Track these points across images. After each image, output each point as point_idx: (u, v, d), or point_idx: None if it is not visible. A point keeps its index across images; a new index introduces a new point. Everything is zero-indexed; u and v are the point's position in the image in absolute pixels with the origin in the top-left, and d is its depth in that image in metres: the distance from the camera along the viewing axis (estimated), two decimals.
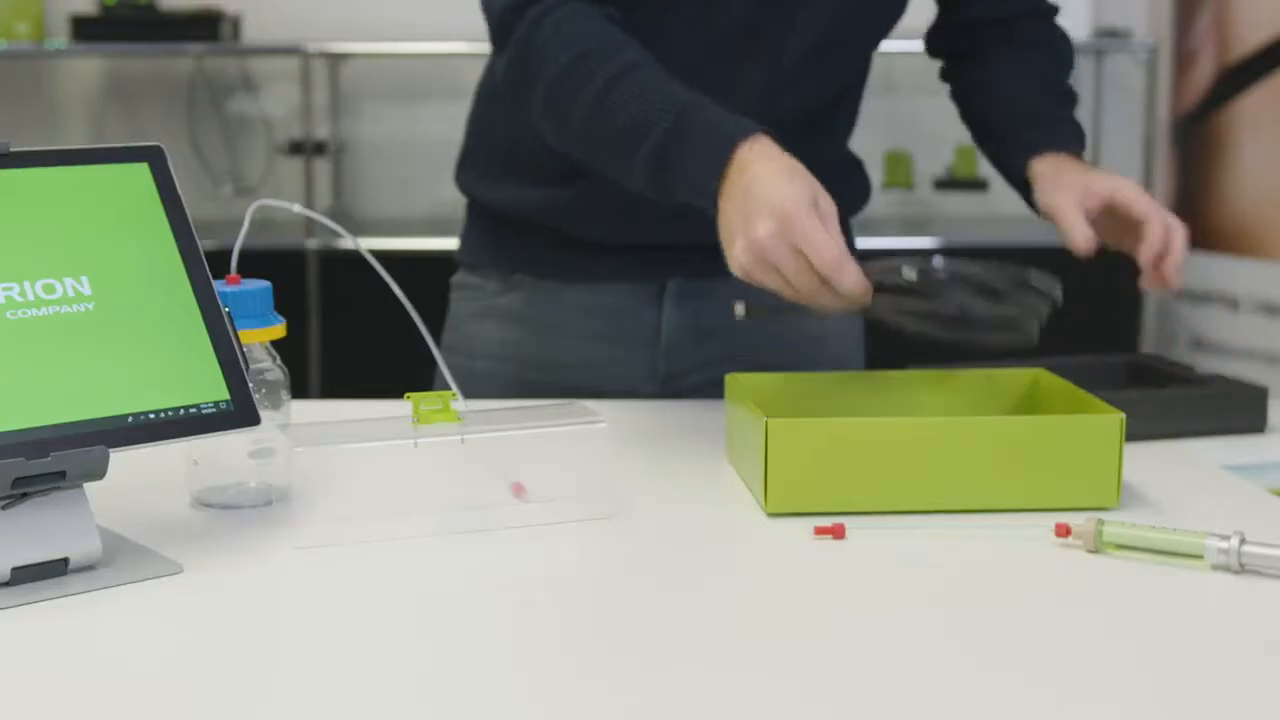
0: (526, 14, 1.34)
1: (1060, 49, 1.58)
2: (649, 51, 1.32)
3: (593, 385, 1.53)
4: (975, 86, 1.58)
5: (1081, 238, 1.37)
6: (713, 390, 1.52)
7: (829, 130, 1.56)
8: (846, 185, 1.59)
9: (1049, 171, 1.44)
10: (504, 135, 1.56)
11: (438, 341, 1.31)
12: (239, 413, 1.07)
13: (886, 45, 1.54)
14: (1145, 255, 1.37)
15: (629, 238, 1.50)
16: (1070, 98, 1.55)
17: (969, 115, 1.59)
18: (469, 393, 1.20)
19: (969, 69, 1.59)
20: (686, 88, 1.28)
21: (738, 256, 1.19)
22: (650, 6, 1.39)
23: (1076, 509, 1.15)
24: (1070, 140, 1.48)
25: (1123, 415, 1.18)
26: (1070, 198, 1.39)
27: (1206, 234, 3.73)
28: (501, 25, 1.36)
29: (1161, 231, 1.37)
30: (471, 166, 1.61)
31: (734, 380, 1.29)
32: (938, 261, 1.21)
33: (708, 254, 1.48)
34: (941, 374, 1.36)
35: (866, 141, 1.65)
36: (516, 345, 1.57)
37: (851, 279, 1.15)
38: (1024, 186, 1.48)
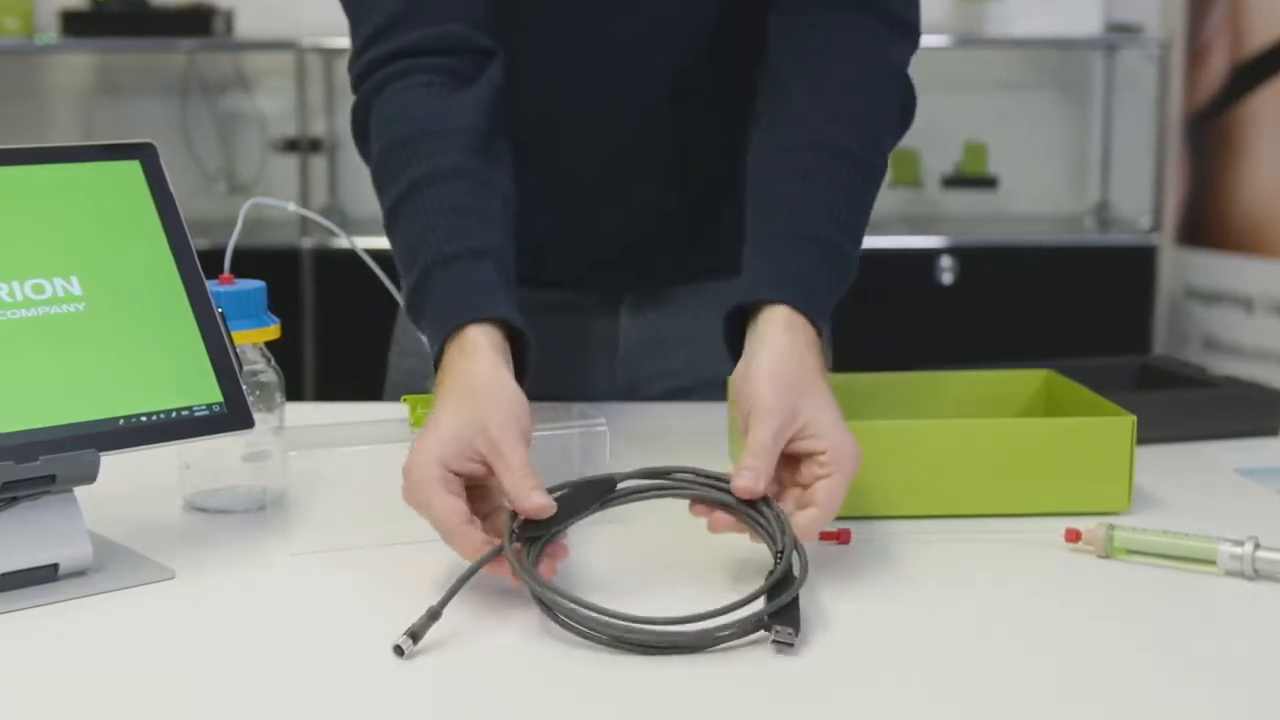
0: (365, 83, 1.28)
1: (877, 99, 1.24)
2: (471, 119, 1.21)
3: (551, 395, 1.47)
4: (755, 141, 1.25)
5: (750, 483, 1.01)
6: (676, 398, 1.51)
7: (745, 119, 1.33)
8: None
9: (766, 363, 1.07)
10: None
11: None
12: (232, 415, 1.07)
13: None
14: (790, 503, 1.05)
15: (586, 242, 1.46)
16: (857, 198, 1.19)
17: (749, 151, 1.26)
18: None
19: (764, 101, 1.27)
20: (471, 223, 1.15)
21: None
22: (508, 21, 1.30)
23: (1087, 513, 1.15)
24: (812, 299, 1.11)
25: (1134, 418, 1.17)
26: (780, 426, 1.04)
27: (1219, 233, 3.74)
28: (352, 79, 1.30)
29: (821, 517, 1.02)
30: None
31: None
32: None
33: (666, 263, 1.48)
34: (948, 375, 1.36)
35: None
36: None
37: (460, 543, 0.99)
38: (733, 322, 1.14)
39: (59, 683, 0.87)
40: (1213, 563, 1.04)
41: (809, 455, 1.04)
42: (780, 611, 0.92)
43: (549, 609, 0.94)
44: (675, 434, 1.41)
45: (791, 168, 1.19)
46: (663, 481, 1.05)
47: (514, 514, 0.99)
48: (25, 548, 1.00)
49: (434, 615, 0.93)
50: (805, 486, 1.04)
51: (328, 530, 1.09)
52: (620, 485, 1.04)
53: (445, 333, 1.08)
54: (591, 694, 0.86)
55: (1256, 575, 1.03)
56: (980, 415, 1.32)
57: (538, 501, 0.98)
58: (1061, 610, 1.00)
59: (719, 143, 1.40)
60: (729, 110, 1.39)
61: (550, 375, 1.51)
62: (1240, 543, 1.03)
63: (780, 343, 1.08)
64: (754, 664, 0.90)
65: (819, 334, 1.11)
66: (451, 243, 1.14)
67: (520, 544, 0.98)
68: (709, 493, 1.03)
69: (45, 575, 1.01)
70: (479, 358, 1.06)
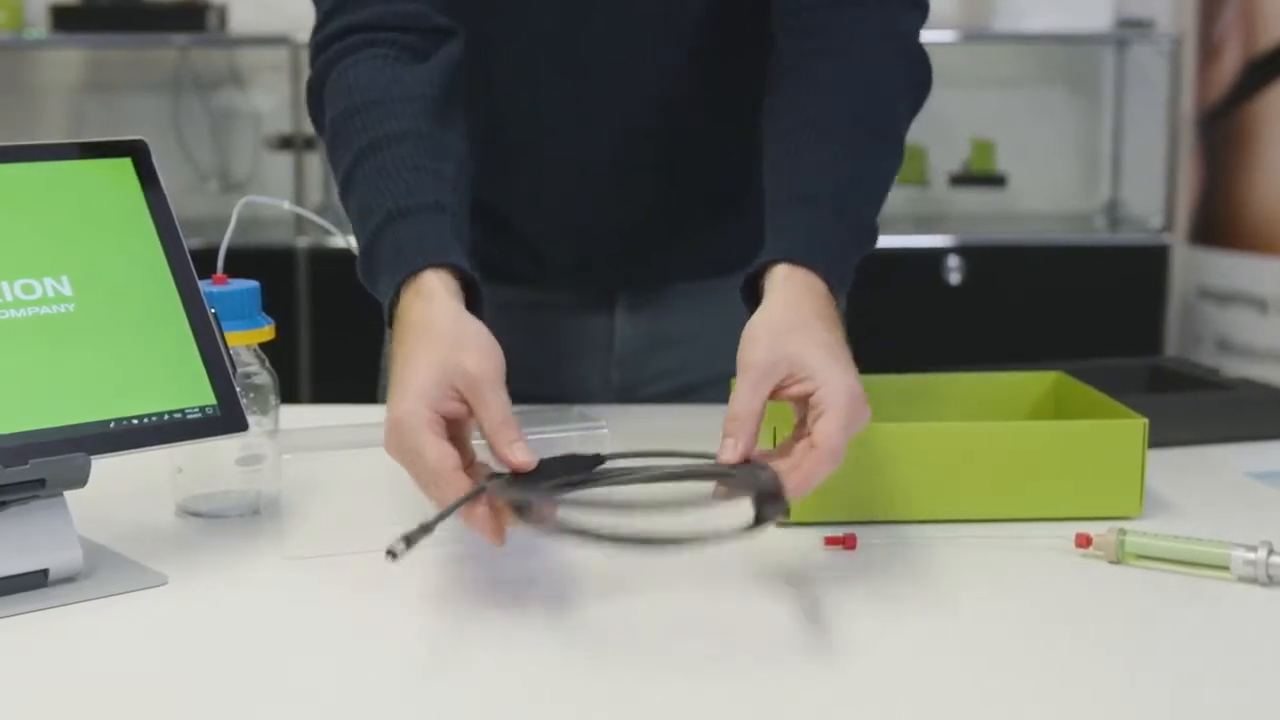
0: (321, 56, 1.28)
1: (891, 71, 1.24)
2: (435, 90, 1.22)
3: (545, 396, 1.48)
4: (769, 115, 1.25)
5: (730, 455, 1.02)
6: (673, 399, 1.51)
7: (735, 114, 1.38)
8: None
9: (774, 306, 1.08)
10: None
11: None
12: (226, 418, 1.07)
13: None
14: (783, 462, 1.03)
15: (566, 275, 1.46)
16: (871, 168, 1.20)
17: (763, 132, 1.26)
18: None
19: (774, 80, 1.27)
20: (422, 180, 1.15)
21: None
22: (468, 20, 1.30)
23: (1097, 518, 1.15)
24: (821, 257, 1.11)
25: (1145, 421, 1.17)
26: (764, 368, 1.04)
27: (1233, 232, 3.74)
28: (310, 55, 1.30)
29: (821, 465, 1.00)
30: None
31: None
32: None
33: (660, 261, 1.47)
34: (957, 377, 1.36)
35: None
36: None
37: (450, 492, 0.97)
38: (750, 288, 1.14)
39: (49, 691, 0.87)
40: (1226, 568, 1.04)
41: (804, 400, 1.03)
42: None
43: (541, 523, 0.95)
44: (671, 434, 1.41)
45: (796, 136, 1.19)
46: (650, 461, 1.05)
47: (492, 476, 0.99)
48: (14, 553, 1.00)
49: (427, 529, 0.93)
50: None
51: (323, 535, 1.09)
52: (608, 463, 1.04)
53: (402, 277, 1.07)
54: (595, 711, 0.87)
55: (1270, 581, 1.03)
56: (989, 418, 1.32)
57: (520, 457, 0.98)
58: (1072, 616, 1.00)
59: (709, 139, 1.40)
60: (718, 107, 1.39)
61: (545, 375, 1.52)
62: (1254, 548, 1.03)
63: (772, 299, 1.08)
64: (751, 676, 0.90)
65: (830, 289, 1.10)
66: (408, 198, 1.13)
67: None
68: (696, 465, 1.03)
69: (35, 581, 1.01)
70: (441, 301, 1.06)
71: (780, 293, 1.09)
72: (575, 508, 0.96)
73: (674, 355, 1.52)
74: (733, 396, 1.03)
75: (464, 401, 1.00)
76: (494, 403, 1.00)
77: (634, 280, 1.50)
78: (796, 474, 0.99)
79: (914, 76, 1.27)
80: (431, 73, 1.23)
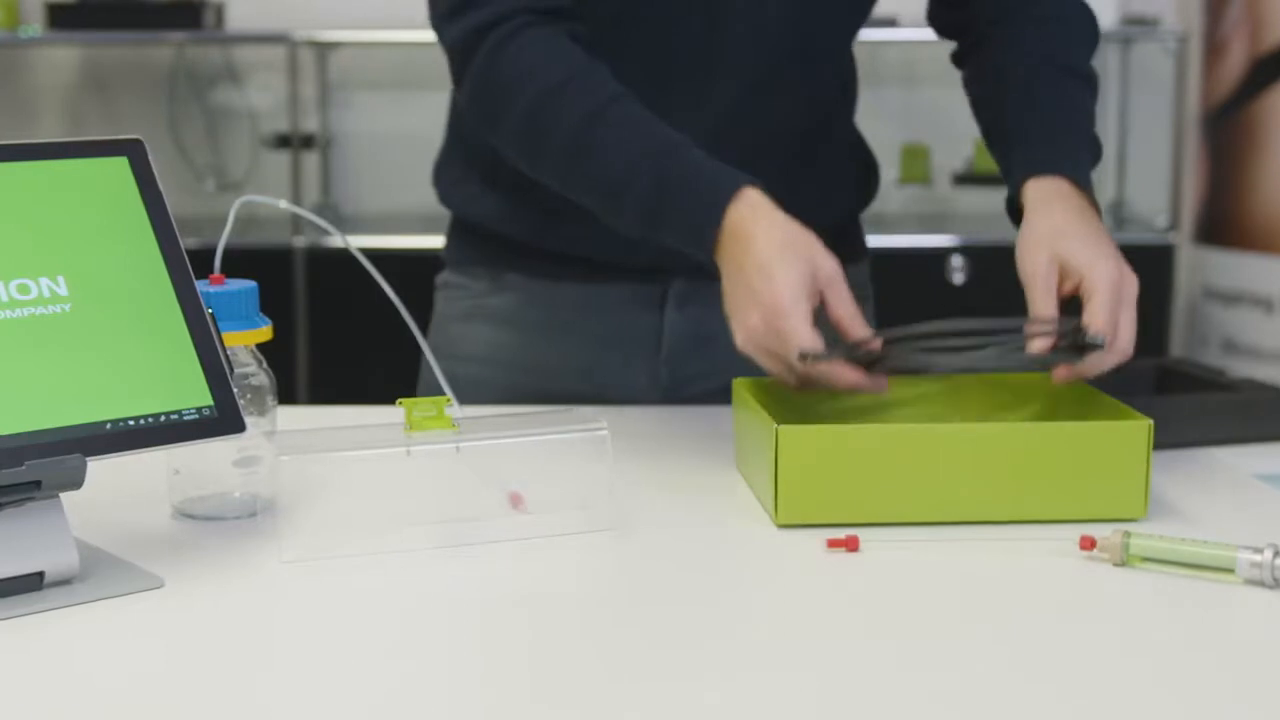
0: (483, 42, 1.33)
1: (1070, 24, 1.45)
2: (615, 77, 1.32)
3: (590, 393, 1.52)
4: (972, 78, 1.49)
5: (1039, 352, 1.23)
6: (719, 399, 1.52)
7: (823, 131, 1.54)
8: (851, 182, 1.59)
9: (1035, 214, 1.31)
10: (484, 142, 1.53)
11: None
12: (223, 419, 1.07)
13: (901, 34, 1.54)
14: (1044, 346, 1.24)
15: (623, 252, 1.47)
16: (1077, 94, 1.41)
17: (973, 105, 1.48)
18: (456, 399, 1.20)
19: (969, 52, 1.50)
20: (665, 127, 1.29)
21: (737, 339, 1.25)
22: (606, 24, 1.37)
23: (1101, 520, 1.15)
24: (1065, 164, 1.33)
25: (1149, 422, 1.17)
26: (1046, 279, 1.25)
27: (1238, 231, 3.73)
28: (458, 55, 1.35)
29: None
30: (450, 176, 1.59)
31: (742, 385, 1.29)
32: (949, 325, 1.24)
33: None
34: (963, 378, 1.35)
35: (882, 134, 1.65)
36: (507, 348, 1.55)
37: (830, 378, 1.21)
38: (1015, 213, 1.36)
39: (44, 695, 0.87)
40: (1231, 571, 1.04)
41: (1079, 294, 1.23)
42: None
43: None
44: (681, 441, 1.41)
45: (1023, 77, 1.40)
46: (979, 338, 1.22)
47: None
48: (9, 556, 1.00)
49: (820, 357, 1.18)
50: None
51: (320, 537, 1.09)
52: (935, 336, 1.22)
53: (727, 197, 1.24)
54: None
55: (1276, 584, 1.03)
56: (993, 419, 1.32)
57: (864, 331, 1.21)
58: (1076, 619, 1.00)
59: (788, 136, 1.45)
60: (795, 111, 1.47)
61: (593, 373, 1.54)
62: (1260, 550, 1.03)
63: (1034, 212, 1.30)
64: (752, 683, 0.90)
65: (1081, 190, 1.31)
66: (669, 140, 1.28)
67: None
68: (1012, 356, 1.22)
69: (30, 584, 1.01)
70: (775, 211, 1.24)
71: (1040, 204, 1.30)
72: (922, 354, 1.22)
73: (721, 353, 1.53)
74: (1030, 307, 1.24)
75: (820, 296, 1.21)
76: (845, 296, 1.22)
77: (685, 273, 1.51)
78: (1078, 364, 1.21)
79: (1092, 28, 1.47)
80: (582, 46, 1.34)
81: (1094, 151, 1.37)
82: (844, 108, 1.58)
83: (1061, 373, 1.22)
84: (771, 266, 1.20)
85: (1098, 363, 1.22)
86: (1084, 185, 1.32)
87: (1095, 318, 1.21)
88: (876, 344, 1.21)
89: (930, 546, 1.12)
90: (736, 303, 1.24)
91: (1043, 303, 1.24)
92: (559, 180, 1.35)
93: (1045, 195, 1.31)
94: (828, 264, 1.22)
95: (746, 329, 1.22)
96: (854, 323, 1.22)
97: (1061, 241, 1.26)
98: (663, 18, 1.40)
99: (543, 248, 1.52)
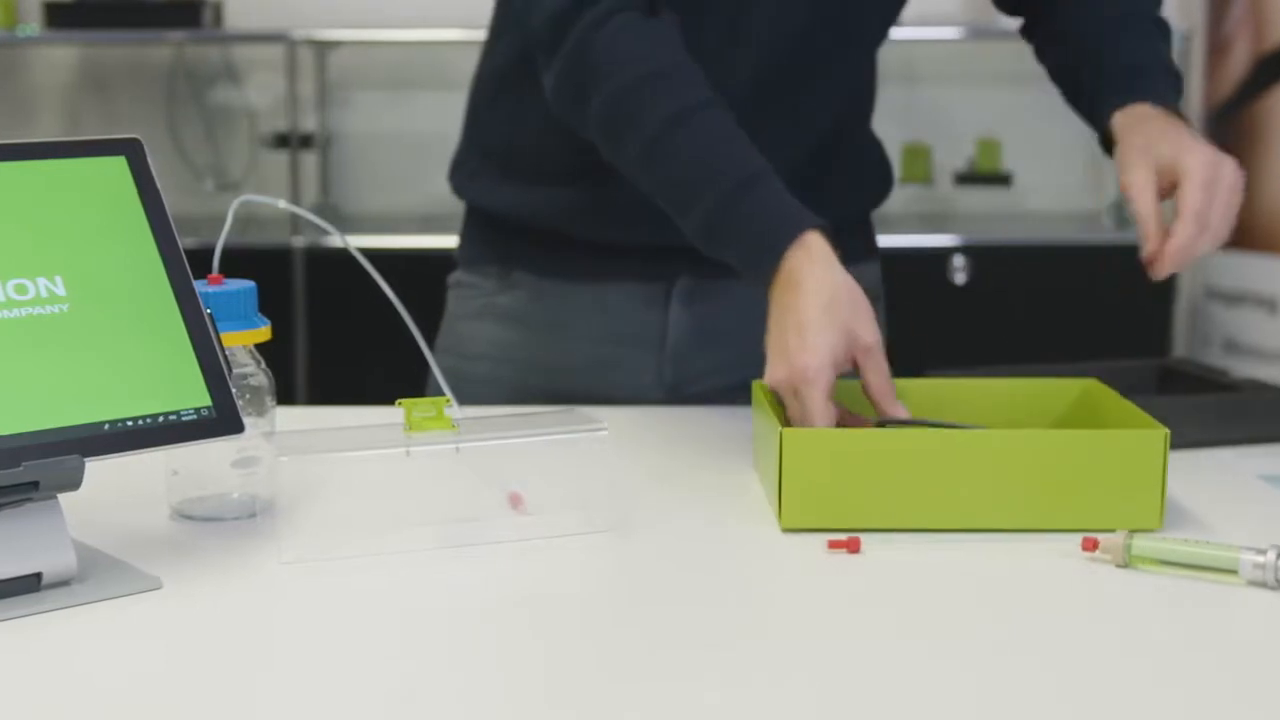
0: (578, 22, 1.33)
1: None
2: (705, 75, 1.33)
3: (596, 391, 1.54)
4: (1046, 43, 1.54)
5: (1152, 251, 1.30)
6: (723, 398, 1.52)
7: (848, 127, 1.56)
8: (872, 179, 1.61)
9: (1125, 134, 1.37)
10: (502, 135, 1.56)
11: (430, 344, 1.31)
12: (221, 420, 1.07)
13: (904, 33, 1.54)
14: (1154, 245, 1.30)
15: (637, 238, 1.50)
16: (1151, 33, 1.47)
17: (1051, 72, 1.54)
18: (464, 397, 1.20)
19: (1039, 22, 1.55)
20: (748, 148, 1.30)
21: (767, 376, 1.25)
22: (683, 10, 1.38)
23: (1115, 530, 1.12)
24: (1148, 93, 1.39)
25: (1167, 431, 1.15)
26: (1144, 180, 1.31)
27: (1241, 230, 3.70)
28: (550, 34, 1.36)
29: (1185, 230, 1.29)
30: (467, 169, 1.61)
31: (760, 388, 1.28)
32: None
33: None
34: (984, 382, 1.34)
35: (883, 133, 1.65)
36: (515, 346, 1.58)
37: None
38: (1107, 144, 1.42)
39: (42, 696, 0.87)
40: (1234, 572, 1.04)
41: (1177, 188, 1.29)
42: None
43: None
44: (683, 442, 1.41)
45: (1107, 25, 1.46)
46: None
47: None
48: (7, 557, 1.00)
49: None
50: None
51: (319, 538, 1.09)
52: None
53: (787, 241, 1.24)
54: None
55: (1279, 585, 1.03)
56: (1012, 424, 1.31)
57: (896, 410, 1.23)
58: (1078, 621, 1.00)
59: (815, 130, 1.47)
60: (822, 106, 1.50)
61: (598, 370, 1.55)
62: (1263, 551, 1.03)
63: (1126, 133, 1.35)
64: (751, 687, 0.90)
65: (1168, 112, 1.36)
66: (748, 165, 1.29)
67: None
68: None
69: (28, 585, 1.01)
70: (832, 263, 1.24)
71: (1128, 128, 1.35)
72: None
73: (725, 352, 1.55)
74: (1134, 219, 1.31)
75: (853, 360, 1.22)
76: (880, 368, 1.23)
77: (691, 270, 1.52)
78: (1171, 243, 1.26)
79: None
80: (679, 38, 1.35)
81: (1176, 85, 1.43)
82: (867, 106, 1.60)
83: (1159, 266, 1.28)
84: (807, 330, 1.21)
85: (1191, 246, 1.27)
86: (1170, 108, 1.38)
87: (1186, 200, 1.26)
88: (903, 415, 1.24)
89: (931, 548, 1.12)
90: (773, 347, 1.24)
91: (1145, 212, 1.29)
92: (633, 171, 1.35)
93: (1132, 120, 1.37)
94: (867, 334, 1.22)
95: (774, 379, 1.24)
96: (886, 399, 1.23)
97: (1153, 148, 1.32)
98: (736, 17, 1.41)
99: (557, 234, 1.53)
